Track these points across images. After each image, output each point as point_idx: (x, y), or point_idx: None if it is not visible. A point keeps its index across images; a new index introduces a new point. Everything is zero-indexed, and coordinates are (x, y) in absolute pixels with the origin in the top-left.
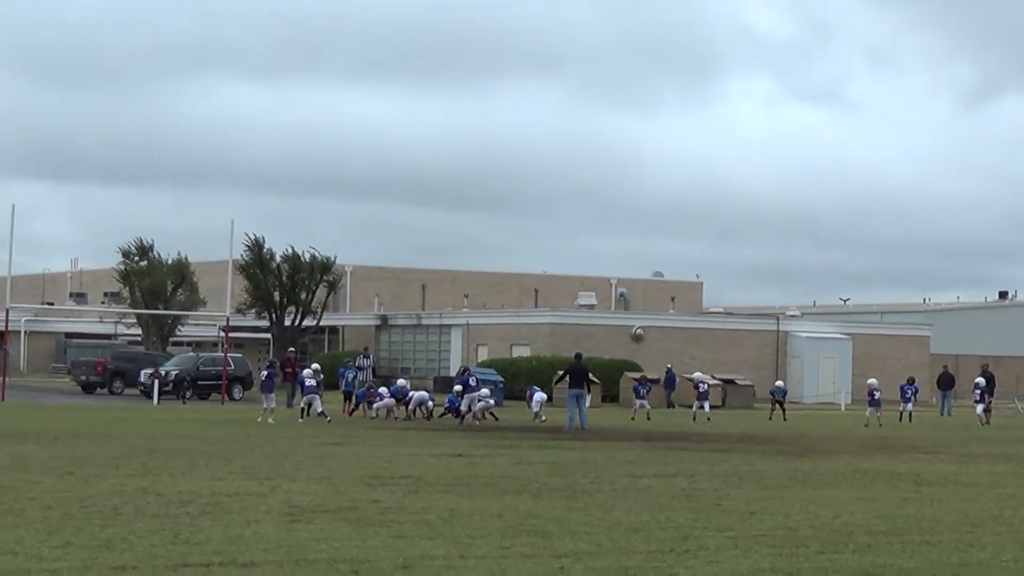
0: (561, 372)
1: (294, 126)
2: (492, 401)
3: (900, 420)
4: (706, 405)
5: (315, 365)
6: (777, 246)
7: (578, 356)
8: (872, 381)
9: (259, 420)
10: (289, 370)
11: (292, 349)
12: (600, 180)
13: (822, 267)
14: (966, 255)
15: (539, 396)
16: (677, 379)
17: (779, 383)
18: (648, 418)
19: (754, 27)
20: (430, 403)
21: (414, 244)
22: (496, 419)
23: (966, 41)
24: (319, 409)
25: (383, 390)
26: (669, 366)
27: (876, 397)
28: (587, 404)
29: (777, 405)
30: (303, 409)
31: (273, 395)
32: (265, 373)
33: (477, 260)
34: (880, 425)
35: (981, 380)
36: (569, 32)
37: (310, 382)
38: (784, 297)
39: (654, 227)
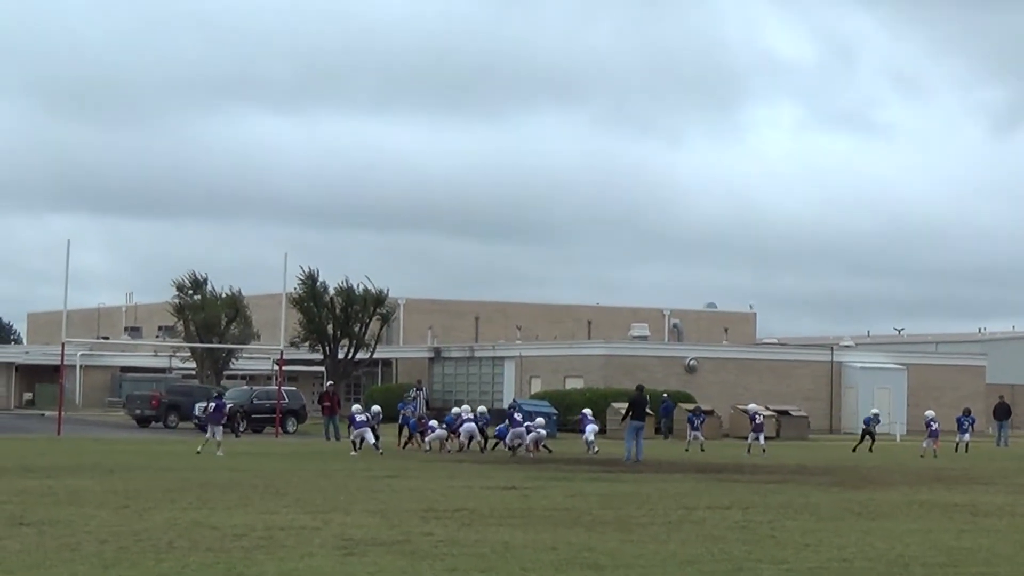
0: (625, 406)
1: (321, 156)
2: (544, 432)
3: (956, 451)
4: (761, 437)
5: (375, 408)
6: (820, 275)
7: (639, 388)
8: (930, 413)
9: (199, 451)
10: (327, 403)
11: (331, 383)
12: (633, 209)
13: (868, 296)
14: (1011, 283)
15: (592, 427)
16: (673, 408)
17: (875, 411)
18: (702, 449)
19: (776, 53)
20: (478, 436)
21: (450, 274)
22: (550, 451)
23: (991, 63)
24: (371, 442)
25: (434, 422)
26: (665, 395)
27: (934, 428)
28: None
29: (867, 436)
30: (354, 443)
31: (220, 428)
32: (214, 404)
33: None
34: (935, 456)
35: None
36: (591, 60)
37: (360, 417)
38: (832, 327)
39: (691, 256)
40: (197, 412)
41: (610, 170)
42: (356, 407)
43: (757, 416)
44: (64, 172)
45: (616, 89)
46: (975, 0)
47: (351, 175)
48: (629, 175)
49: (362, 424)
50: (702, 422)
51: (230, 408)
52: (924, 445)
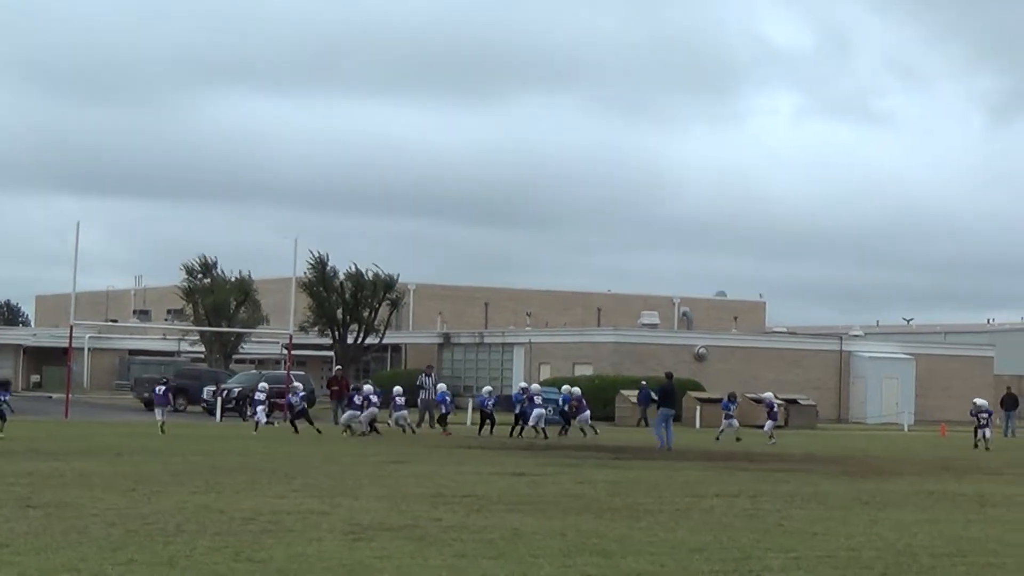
0: (654, 393)
1: (326, 140)
2: (545, 412)
3: (976, 447)
4: (769, 425)
5: (367, 385)
6: (827, 264)
7: (669, 376)
8: (982, 401)
9: (163, 432)
10: (336, 388)
11: (339, 367)
12: (637, 196)
13: (877, 286)
14: (1019, 273)
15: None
16: (650, 395)
17: (981, 401)
18: (737, 439)
19: (773, 40)
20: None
21: (460, 261)
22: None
23: (990, 51)
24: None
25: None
26: (643, 383)
27: (985, 418)
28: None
29: (980, 430)
30: (401, 427)
31: (163, 409)
32: (162, 388)
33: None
34: (988, 449)
35: (983, 402)
36: (595, 46)
37: (400, 400)
38: (840, 316)
39: (698, 244)
40: (205, 396)
41: (613, 157)
42: (397, 388)
43: (774, 405)
44: (69, 154)
45: (618, 76)
46: None
47: (357, 159)
48: (632, 162)
49: (400, 407)
50: (736, 407)
51: (239, 392)
52: (980, 435)
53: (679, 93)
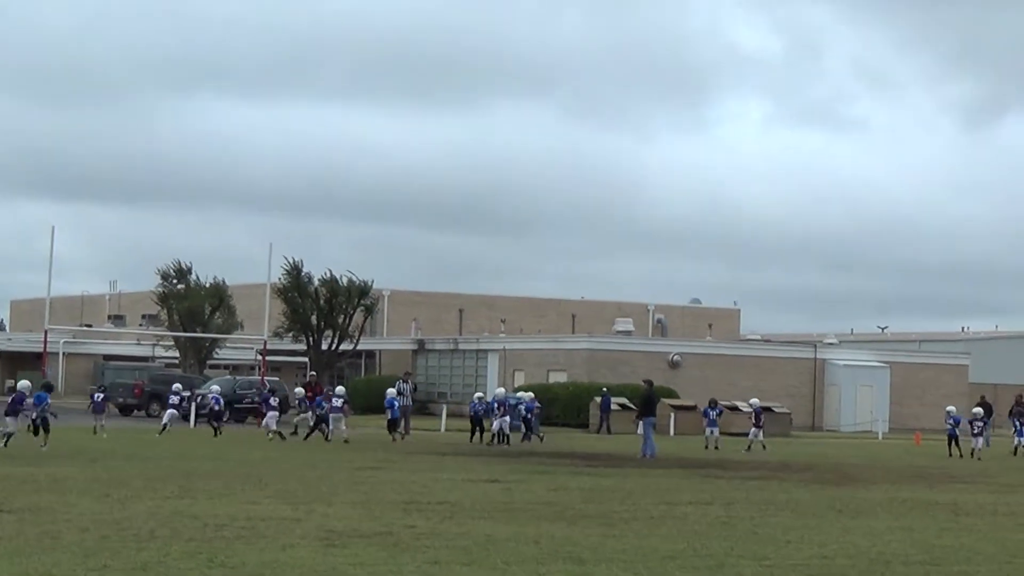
0: (638, 402)
1: (296, 145)
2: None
3: (972, 455)
4: (760, 433)
5: (340, 388)
6: (800, 271)
7: (649, 383)
8: (977, 410)
9: (104, 436)
10: (310, 394)
11: (313, 373)
12: (607, 203)
13: (850, 293)
14: (990, 281)
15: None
16: (610, 403)
17: (976, 409)
18: (716, 447)
19: (742, 46)
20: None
21: (432, 267)
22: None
23: (958, 58)
24: (331, 429)
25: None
26: (604, 389)
27: (981, 426)
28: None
29: (975, 438)
30: (319, 428)
31: (100, 416)
32: (101, 396)
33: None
34: (979, 459)
35: (979, 410)
36: (561, 51)
37: (337, 402)
38: (814, 324)
39: (670, 251)
40: (172, 401)
41: (585, 163)
42: (339, 389)
43: (759, 412)
44: (43, 159)
45: (583, 81)
46: None
47: (331, 165)
48: (600, 168)
49: (336, 409)
50: (719, 415)
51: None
52: (975, 444)
53: (649, 99)
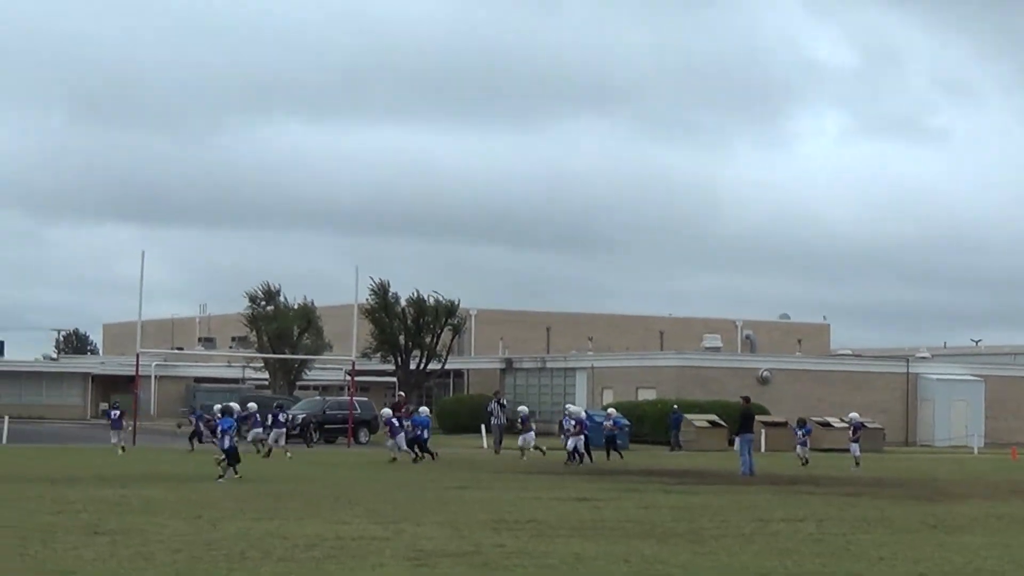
0: (736, 419)
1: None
2: (532, 435)
3: None
4: (857, 448)
5: (423, 408)
6: (890, 285)
7: (746, 399)
8: None
9: (120, 454)
10: (399, 414)
11: (402, 393)
12: (686, 218)
13: (939, 306)
14: None
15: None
16: (682, 419)
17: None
18: (804, 464)
19: (815, 58)
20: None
21: (512, 284)
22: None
23: None
24: (401, 448)
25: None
26: (675, 407)
27: None
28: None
29: None
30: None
31: (120, 432)
32: (117, 413)
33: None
34: None
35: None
36: (631, 68)
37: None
38: (905, 338)
39: (755, 266)
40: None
41: (663, 180)
42: (385, 411)
43: (859, 426)
44: (132, 185)
45: (659, 97)
46: (1014, 2)
47: (413, 185)
48: (680, 184)
49: (397, 431)
50: (807, 433)
51: (303, 419)
52: None
53: (725, 114)
